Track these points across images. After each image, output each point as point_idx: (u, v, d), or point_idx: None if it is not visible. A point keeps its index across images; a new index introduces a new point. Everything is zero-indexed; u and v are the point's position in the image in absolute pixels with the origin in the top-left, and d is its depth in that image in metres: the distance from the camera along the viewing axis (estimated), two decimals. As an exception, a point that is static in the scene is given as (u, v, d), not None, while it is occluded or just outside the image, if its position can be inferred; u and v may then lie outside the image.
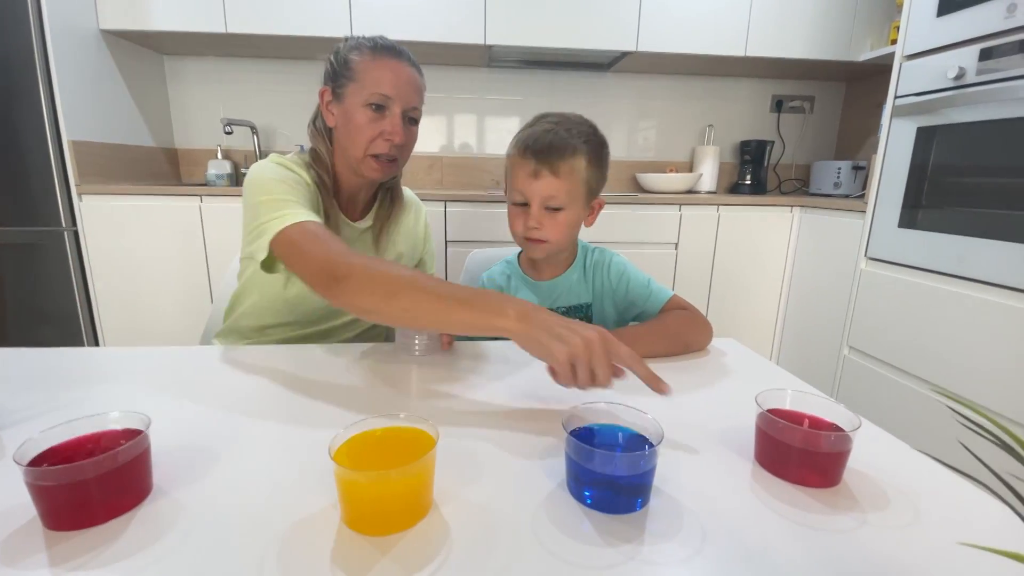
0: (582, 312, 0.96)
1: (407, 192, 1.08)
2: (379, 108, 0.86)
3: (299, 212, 0.75)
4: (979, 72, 1.37)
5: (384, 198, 1.02)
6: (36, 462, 0.41)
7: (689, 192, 2.36)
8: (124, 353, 0.78)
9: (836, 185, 2.30)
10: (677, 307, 0.92)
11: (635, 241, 2.02)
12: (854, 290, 1.77)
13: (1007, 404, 1.30)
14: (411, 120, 0.91)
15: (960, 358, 1.42)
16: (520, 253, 1.01)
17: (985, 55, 1.36)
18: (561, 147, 0.82)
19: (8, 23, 1.67)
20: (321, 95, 0.92)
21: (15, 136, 1.74)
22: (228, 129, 2.16)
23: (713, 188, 2.49)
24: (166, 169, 2.33)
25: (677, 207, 2.03)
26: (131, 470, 0.42)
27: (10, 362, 0.72)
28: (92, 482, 0.39)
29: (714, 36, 2.11)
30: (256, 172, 0.84)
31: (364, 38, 0.89)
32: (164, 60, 2.31)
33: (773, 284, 2.16)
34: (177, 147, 2.39)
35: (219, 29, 1.93)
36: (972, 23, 1.40)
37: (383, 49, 0.87)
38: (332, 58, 0.90)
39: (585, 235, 0.99)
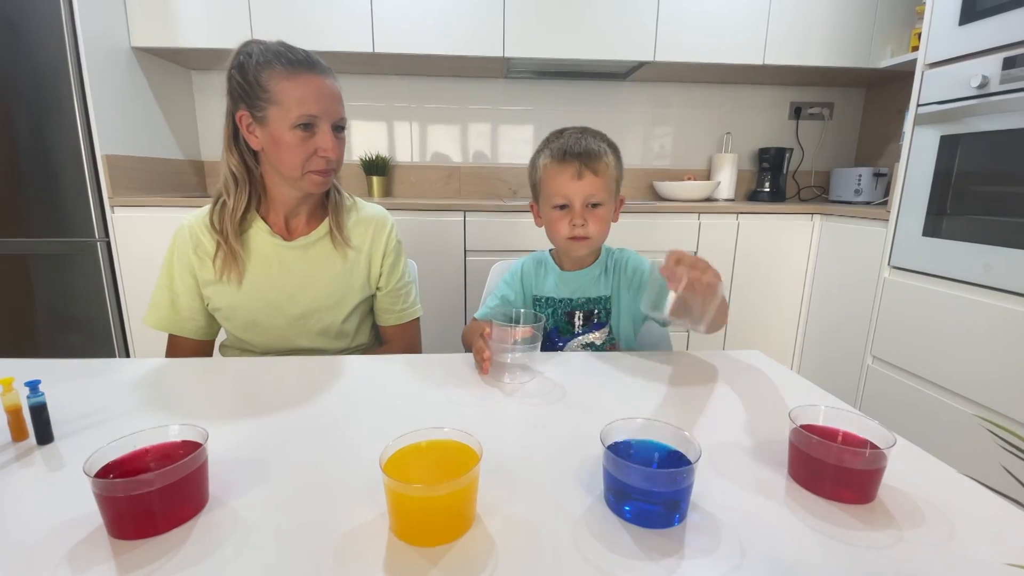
0: (600, 304, 1.02)
1: (373, 208, 1.06)
2: (308, 127, 0.87)
3: (152, 313, 0.98)
4: (1003, 81, 1.36)
5: (328, 204, 1.01)
6: (102, 473, 0.43)
7: (707, 200, 2.36)
8: (164, 364, 0.81)
9: (857, 192, 2.28)
10: None
11: (653, 249, 2.01)
12: (877, 299, 1.75)
13: (1037, 416, 1.28)
14: (339, 128, 0.92)
15: (986, 369, 1.40)
16: (551, 249, 1.08)
17: (1009, 64, 1.35)
18: (596, 149, 0.93)
19: (44, 42, 1.73)
20: (239, 120, 0.89)
21: (51, 150, 1.81)
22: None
23: (731, 196, 2.49)
24: (193, 181, 2.39)
25: (696, 215, 2.04)
26: (192, 481, 0.44)
27: (57, 373, 0.75)
28: (156, 493, 0.42)
29: (732, 44, 2.12)
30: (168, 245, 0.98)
31: (269, 51, 0.86)
32: (192, 75, 2.37)
33: (794, 293, 2.15)
34: (204, 159, 2.46)
35: (245, 45, 1.98)
36: (995, 32, 1.39)
37: (297, 64, 0.85)
38: (239, 77, 0.86)
39: (608, 239, 1.03)
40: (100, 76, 1.83)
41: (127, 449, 0.46)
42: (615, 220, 1.00)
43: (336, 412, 0.65)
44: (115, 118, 1.90)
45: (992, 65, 1.39)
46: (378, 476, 0.41)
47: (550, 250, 1.09)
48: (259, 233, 0.96)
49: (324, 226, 0.99)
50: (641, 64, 2.19)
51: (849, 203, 2.25)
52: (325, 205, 1.01)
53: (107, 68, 1.87)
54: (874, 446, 0.50)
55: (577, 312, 1.02)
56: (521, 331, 0.80)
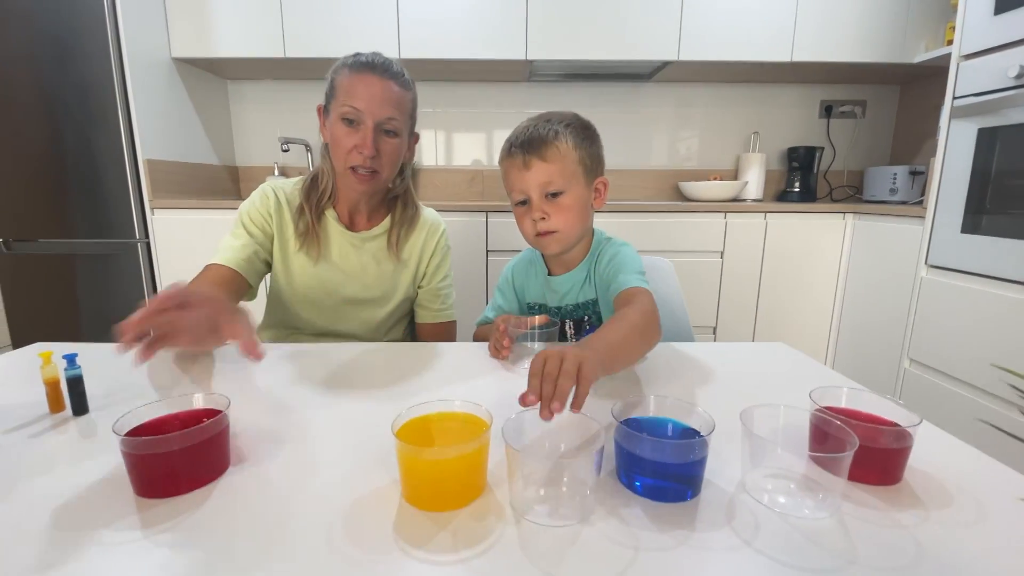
0: (589, 309, 0.95)
1: (429, 213, 1.10)
2: (351, 122, 0.90)
3: (223, 253, 0.93)
4: (1045, 69, 1.31)
5: (395, 210, 1.05)
6: (131, 434, 0.45)
7: (734, 200, 2.32)
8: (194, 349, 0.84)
9: (892, 191, 2.21)
10: (635, 299, 0.78)
11: (678, 250, 2.00)
12: (914, 299, 1.69)
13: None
14: (388, 132, 0.92)
15: (1034, 370, 1.33)
16: None
17: (1052, 51, 1.29)
18: (543, 134, 0.84)
19: (91, 54, 1.83)
20: (319, 113, 0.98)
21: (96, 156, 1.90)
22: (285, 147, 2.29)
23: (760, 196, 2.44)
24: (228, 185, 2.48)
25: (722, 215, 2.00)
26: (213, 444, 0.45)
27: (94, 356, 0.78)
28: (178, 453, 0.43)
29: (758, 42, 2.08)
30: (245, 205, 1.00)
31: (353, 56, 0.92)
32: (228, 84, 2.47)
33: (826, 294, 2.09)
34: (238, 165, 2.55)
35: (278, 54, 2.06)
36: (1036, 19, 1.33)
37: (361, 65, 0.90)
38: (328, 78, 0.95)
39: (626, 238, 0.97)
40: (142, 85, 1.92)
41: (155, 414, 0.48)
42: (598, 207, 0.91)
43: (350, 389, 0.67)
44: (156, 125, 1.99)
45: (1033, 54, 1.34)
46: (391, 446, 0.42)
47: None
48: (328, 219, 1.01)
49: (384, 224, 1.04)
50: (665, 64, 2.17)
51: (884, 203, 2.18)
52: (387, 205, 1.06)
53: (149, 78, 1.97)
54: (898, 426, 0.48)
55: (567, 321, 0.95)
56: (539, 319, 0.81)
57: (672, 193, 2.58)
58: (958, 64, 1.56)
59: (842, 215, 2.02)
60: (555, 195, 0.85)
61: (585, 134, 0.88)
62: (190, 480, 0.44)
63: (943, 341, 1.59)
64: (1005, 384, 1.40)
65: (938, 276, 1.62)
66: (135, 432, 0.46)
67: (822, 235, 2.03)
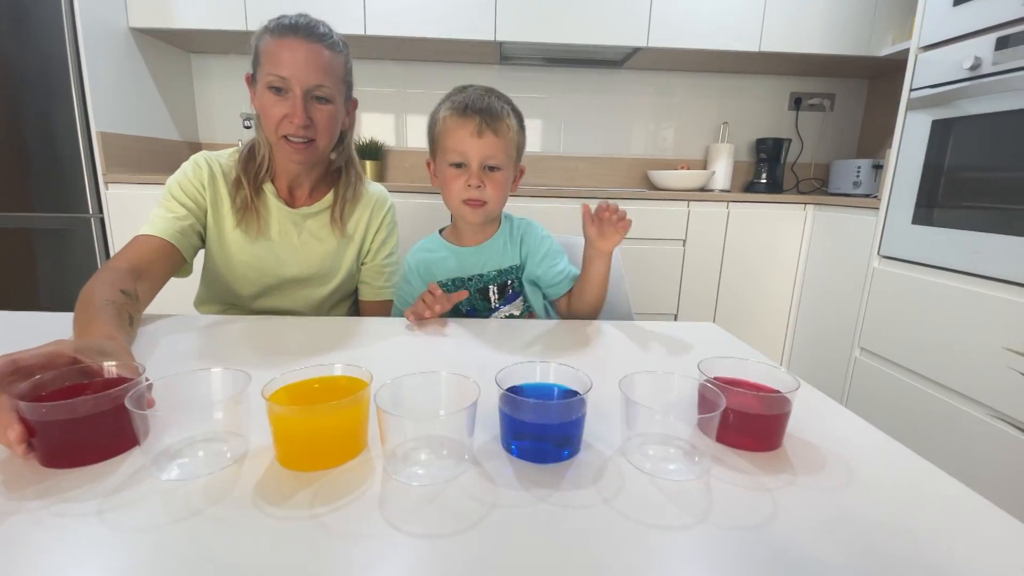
0: (513, 274, 0.98)
1: (375, 187, 1.07)
2: (279, 90, 0.86)
3: (154, 224, 0.89)
4: (995, 62, 1.32)
5: (338, 184, 1.02)
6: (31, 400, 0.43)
7: (702, 190, 2.33)
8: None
9: (856, 184, 2.24)
10: None
11: (641, 237, 2.00)
12: (866, 290, 1.72)
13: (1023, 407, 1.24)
14: (319, 99, 0.88)
15: (974, 358, 1.37)
16: (443, 229, 1.04)
17: (1001, 44, 1.31)
18: (499, 109, 0.88)
19: (42, 22, 1.77)
20: (247, 81, 0.94)
21: (51, 127, 1.85)
22: (247, 124, 2.24)
23: (727, 186, 2.45)
24: (190, 162, 2.42)
25: (685, 203, 2.01)
26: (121, 414, 0.43)
27: (18, 324, 0.77)
28: (79, 421, 0.42)
29: (727, 31, 2.08)
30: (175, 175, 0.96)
31: (275, 18, 0.88)
32: (191, 58, 2.41)
33: (785, 283, 2.12)
34: (202, 141, 2.49)
35: (240, 27, 2.01)
36: (988, 11, 1.35)
37: (284, 28, 0.86)
38: (252, 43, 0.91)
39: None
40: (97, 56, 1.86)
41: (65, 382, 0.46)
42: (514, 191, 0.96)
43: (251, 358, 0.66)
44: (111, 97, 1.94)
45: (985, 46, 1.35)
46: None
47: (441, 230, 1.03)
48: (267, 195, 0.98)
49: (327, 200, 1.00)
50: (636, 50, 2.17)
51: (848, 195, 2.21)
52: (330, 179, 1.03)
53: (104, 48, 1.91)
54: (778, 393, 0.49)
55: (491, 287, 0.97)
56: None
57: (641, 181, 2.58)
58: (916, 56, 1.57)
59: (803, 206, 2.04)
60: (492, 169, 0.89)
61: (522, 122, 0.94)
62: (97, 450, 0.43)
63: (893, 331, 1.62)
64: (951, 374, 1.43)
65: (889, 267, 1.65)
66: (40, 399, 0.43)
67: (783, 226, 2.05)
